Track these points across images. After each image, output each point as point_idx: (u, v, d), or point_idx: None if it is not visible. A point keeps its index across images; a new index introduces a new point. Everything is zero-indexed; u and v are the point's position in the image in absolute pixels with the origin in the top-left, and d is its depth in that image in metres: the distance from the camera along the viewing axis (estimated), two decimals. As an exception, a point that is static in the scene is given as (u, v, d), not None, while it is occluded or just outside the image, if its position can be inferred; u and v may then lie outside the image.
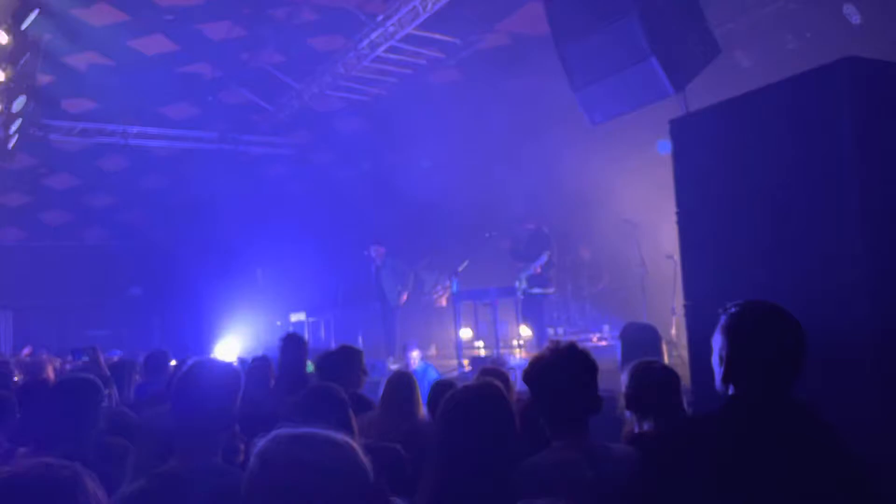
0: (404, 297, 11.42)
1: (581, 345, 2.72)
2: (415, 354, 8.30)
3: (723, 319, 2.27)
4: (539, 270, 9.81)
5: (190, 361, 2.81)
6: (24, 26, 8.27)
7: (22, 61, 8.97)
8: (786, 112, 4.10)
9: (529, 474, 2.46)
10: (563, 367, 2.59)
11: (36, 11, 8.06)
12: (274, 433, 1.65)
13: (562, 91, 7.54)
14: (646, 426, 3.08)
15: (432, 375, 7.92)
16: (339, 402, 3.31)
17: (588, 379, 2.62)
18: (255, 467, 1.62)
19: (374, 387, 5.56)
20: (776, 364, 2.17)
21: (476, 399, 2.59)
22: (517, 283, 10.03)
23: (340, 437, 1.68)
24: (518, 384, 4.84)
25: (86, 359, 5.76)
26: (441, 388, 4.03)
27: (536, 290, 9.92)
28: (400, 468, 3.25)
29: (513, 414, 2.60)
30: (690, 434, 2.24)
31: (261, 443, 1.65)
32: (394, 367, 9.01)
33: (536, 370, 2.65)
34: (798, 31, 8.79)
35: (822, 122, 3.88)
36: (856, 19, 7.88)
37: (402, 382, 4.39)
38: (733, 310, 2.27)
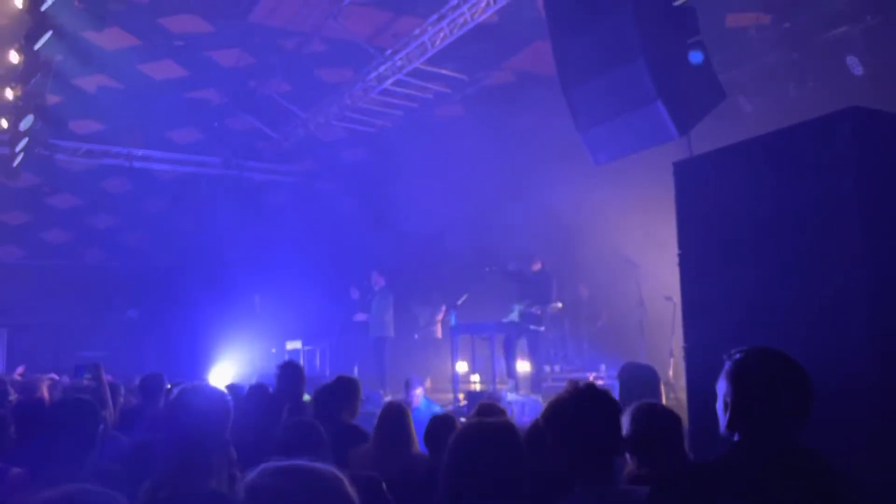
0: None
1: (599, 385, 2.63)
2: (418, 392, 8.19)
3: (728, 365, 2.26)
4: (538, 312, 9.80)
5: (179, 388, 2.81)
6: (36, 47, 8.35)
7: (32, 81, 9.05)
8: (790, 158, 4.14)
9: None
10: (585, 408, 2.50)
11: (49, 33, 8.14)
12: (262, 466, 1.66)
13: (564, 129, 7.60)
14: (647, 469, 3.04)
15: (437, 411, 7.86)
16: (318, 438, 3.31)
17: (611, 420, 2.53)
18: (243, 499, 1.63)
19: (370, 418, 5.52)
20: (783, 411, 2.16)
21: (492, 435, 2.50)
22: (510, 316, 10.00)
23: (327, 468, 1.69)
24: (515, 419, 4.82)
25: (88, 376, 5.69)
26: (439, 423, 4.02)
27: (531, 328, 9.90)
28: (379, 496, 3.23)
29: (524, 453, 2.53)
30: (696, 479, 2.21)
31: (249, 475, 1.66)
32: (387, 398, 8.95)
33: (557, 411, 2.56)
34: (800, 80, 8.90)
35: (825, 169, 3.92)
36: (858, 70, 7.98)
37: (396, 414, 4.36)
38: (738, 356, 2.27)
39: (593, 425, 2.48)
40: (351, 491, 1.66)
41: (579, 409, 2.51)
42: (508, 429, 2.55)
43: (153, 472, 2.94)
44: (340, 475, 1.68)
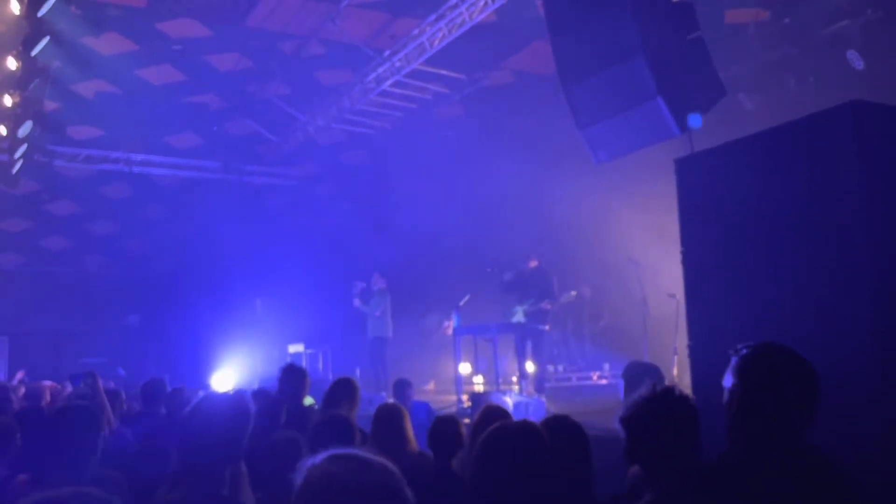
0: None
1: (678, 390, 2.47)
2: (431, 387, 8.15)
3: (734, 360, 2.23)
4: (549, 307, 9.77)
5: (200, 394, 2.81)
6: (34, 53, 8.33)
7: (30, 87, 9.03)
8: (791, 153, 4.13)
9: None
10: (659, 414, 2.37)
11: (46, 39, 8.13)
12: (322, 454, 1.62)
13: (564, 128, 7.57)
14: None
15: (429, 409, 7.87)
16: (348, 430, 3.31)
17: (692, 428, 2.40)
18: (300, 487, 1.59)
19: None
20: (789, 407, 2.13)
21: (519, 438, 2.46)
22: (515, 317, 9.96)
23: (381, 461, 1.65)
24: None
25: (89, 381, 5.63)
26: (443, 423, 4.00)
27: (537, 327, 9.87)
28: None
29: (550, 456, 2.48)
30: (701, 477, 2.19)
31: (307, 462, 1.62)
32: (391, 401, 8.90)
33: (639, 416, 2.41)
34: (801, 76, 8.88)
35: (827, 163, 3.91)
36: (859, 65, 7.96)
37: (392, 415, 4.34)
38: (745, 351, 2.23)
39: (672, 432, 2.34)
40: (407, 489, 1.63)
41: (652, 413, 2.38)
42: (536, 431, 2.54)
43: (153, 476, 2.93)
44: (393, 467, 1.65)
